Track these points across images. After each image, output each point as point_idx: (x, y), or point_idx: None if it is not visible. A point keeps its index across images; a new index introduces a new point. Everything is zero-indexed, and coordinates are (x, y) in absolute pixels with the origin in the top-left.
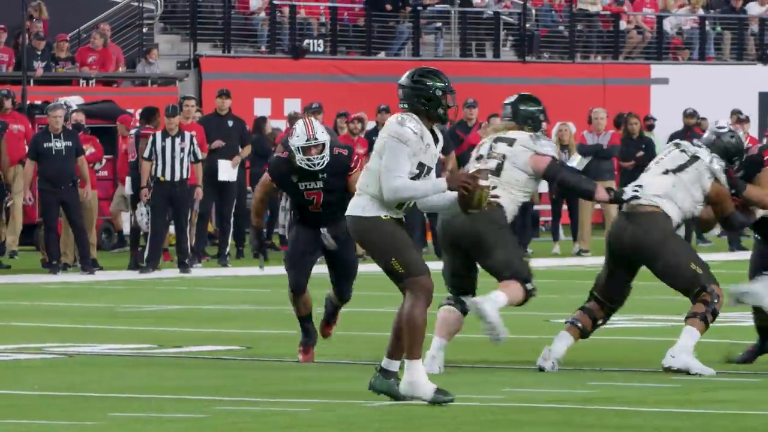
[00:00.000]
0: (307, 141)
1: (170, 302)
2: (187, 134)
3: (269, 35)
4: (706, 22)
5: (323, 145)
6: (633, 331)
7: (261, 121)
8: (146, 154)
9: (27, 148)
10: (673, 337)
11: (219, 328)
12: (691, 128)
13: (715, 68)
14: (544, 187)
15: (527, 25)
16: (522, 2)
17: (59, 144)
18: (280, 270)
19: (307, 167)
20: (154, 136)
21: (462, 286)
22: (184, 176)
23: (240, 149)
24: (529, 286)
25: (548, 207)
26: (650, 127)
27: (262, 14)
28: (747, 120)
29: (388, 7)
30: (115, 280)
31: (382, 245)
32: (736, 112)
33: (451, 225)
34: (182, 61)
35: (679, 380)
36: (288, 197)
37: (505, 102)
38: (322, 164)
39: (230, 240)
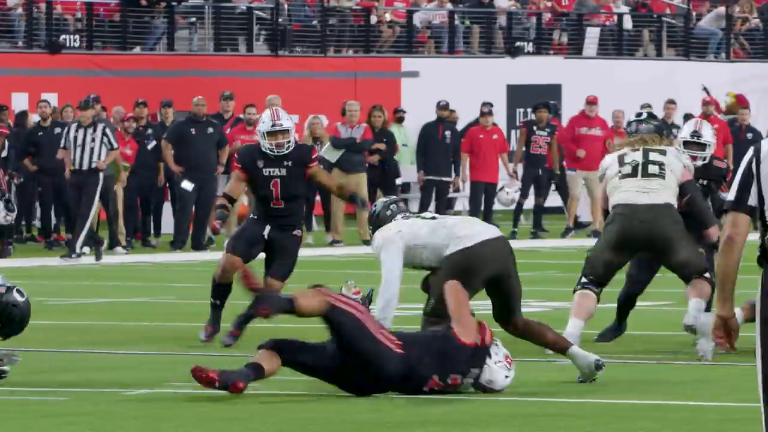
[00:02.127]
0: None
1: None
2: (99, 125)
3: (26, 31)
4: (456, 16)
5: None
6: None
7: (22, 116)
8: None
9: None
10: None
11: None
12: (443, 120)
13: (464, 61)
14: None
15: (280, 20)
16: None
17: None
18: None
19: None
20: (69, 127)
21: (607, 279)
22: (92, 166)
23: None
24: (708, 275)
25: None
26: (400, 120)
27: (20, 10)
28: (489, 113)
29: (143, 2)
30: None
31: None
32: (487, 104)
33: (632, 228)
34: None
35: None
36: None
37: None
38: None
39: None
